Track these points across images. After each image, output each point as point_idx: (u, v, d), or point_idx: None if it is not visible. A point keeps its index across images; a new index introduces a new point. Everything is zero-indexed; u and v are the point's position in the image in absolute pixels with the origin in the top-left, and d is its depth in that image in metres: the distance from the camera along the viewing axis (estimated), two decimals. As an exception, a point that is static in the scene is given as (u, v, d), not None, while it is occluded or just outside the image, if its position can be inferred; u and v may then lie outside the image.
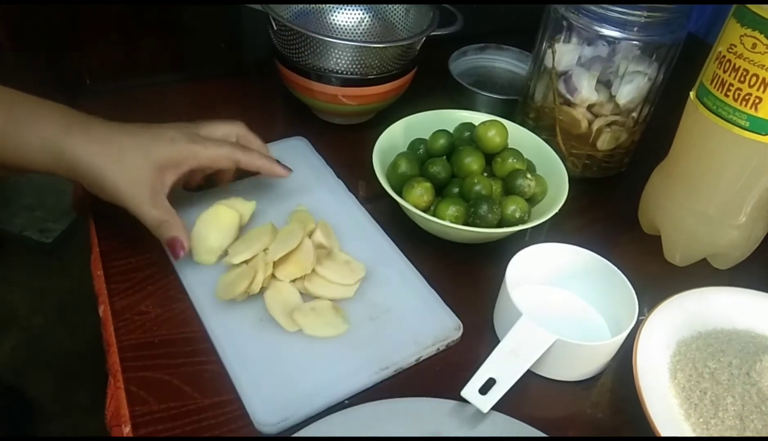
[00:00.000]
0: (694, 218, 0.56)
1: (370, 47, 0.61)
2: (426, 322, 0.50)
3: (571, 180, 0.64)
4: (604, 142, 0.63)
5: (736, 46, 0.47)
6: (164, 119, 0.52)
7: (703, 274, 0.59)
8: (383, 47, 0.62)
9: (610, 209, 0.65)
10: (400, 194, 0.55)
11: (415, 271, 0.54)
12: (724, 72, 0.48)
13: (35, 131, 0.46)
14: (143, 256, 0.53)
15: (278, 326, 0.48)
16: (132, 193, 0.48)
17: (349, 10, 0.72)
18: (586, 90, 0.60)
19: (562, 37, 0.60)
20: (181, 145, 0.50)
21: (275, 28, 0.62)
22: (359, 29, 0.72)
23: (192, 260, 0.52)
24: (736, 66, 0.47)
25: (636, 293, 0.50)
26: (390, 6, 0.71)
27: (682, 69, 0.60)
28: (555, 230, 0.62)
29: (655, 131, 0.62)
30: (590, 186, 0.67)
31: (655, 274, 0.59)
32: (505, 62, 0.82)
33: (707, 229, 0.56)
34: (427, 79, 0.73)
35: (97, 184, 0.47)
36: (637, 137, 0.65)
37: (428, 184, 0.55)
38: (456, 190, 0.57)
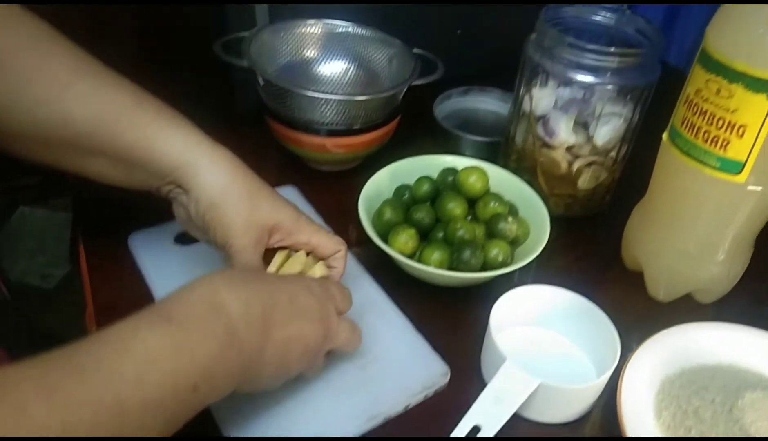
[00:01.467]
0: (675, 255, 0.57)
1: (353, 100, 0.63)
2: (414, 369, 0.51)
3: (555, 219, 0.65)
4: (584, 182, 0.64)
5: (702, 91, 0.49)
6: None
7: (687, 308, 0.60)
8: (366, 99, 0.64)
9: (594, 247, 0.66)
10: (386, 240, 0.57)
11: (403, 317, 0.55)
12: (693, 115, 0.50)
13: (182, 132, 0.47)
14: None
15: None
16: (243, 232, 0.47)
17: (334, 61, 0.74)
18: (564, 133, 0.61)
19: (539, 82, 0.62)
20: (303, 222, 0.51)
21: (262, 83, 0.65)
22: (344, 79, 0.74)
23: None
24: (704, 109, 0.49)
25: (622, 330, 0.50)
26: (374, 57, 0.73)
27: (662, 101, 0.61)
28: (543, 269, 0.63)
29: (635, 168, 0.64)
30: (574, 224, 0.68)
31: (640, 310, 0.60)
32: (488, 104, 0.84)
33: (688, 266, 0.57)
34: (414, 123, 0.75)
35: (213, 206, 0.47)
36: (617, 175, 0.66)
37: (413, 231, 0.57)
38: (441, 234, 0.58)
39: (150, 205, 0.65)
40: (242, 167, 0.49)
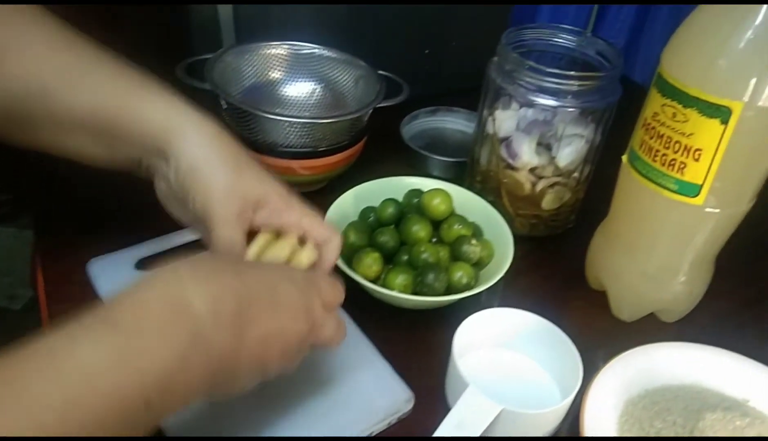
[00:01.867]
0: (637, 276, 0.57)
1: (317, 123, 0.63)
2: (377, 395, 0.50)
3: (521, 239, 0.65)
4: (548, 202, 0.64)
5: (658, 115, 0.50)
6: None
7: (651, 328, 0.60)
8: (330, 122, 0.64)
9: (560, 266, 0.66)
10: (351, 263, 0.57)
11: (367, 341, 0.55)
12: (651, 138, 0.51)
13: (167, 99, 0.45)
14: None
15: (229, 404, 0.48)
16: (225, 200, 0.43)
17: (300, 83, 0.74)
18: (527, 154, 0.62)
19: (501, 104, 0.62)
20: (294, 201, 0.47)
21: (225, 106, 0.64)
22: (310, 101, 0.74)
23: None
24: (660, 133, 0.50)
25: (587, 350, 0.51)
26: (340, 78, 0.73)
27: (627, 118, 0.61)
28: (509, 289, 0.63)
29: (600, 186, 0.64)
30: (540, 244, 0.68)
31: (605, 329, 0.61)
32: (455, 123, 0.85)
33: (650, 287, 0.57)
34: (382, 143, 0.75)
35: (193, 170, 0.43)
36: (581, 195, 0.67)
37: (377, 254, 0.56)
38: (405, 257, 0.58)
39: (112, 229, 0.64)
40: (228, 137, 0.46)
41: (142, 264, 0.60)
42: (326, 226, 0.48)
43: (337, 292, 0.44)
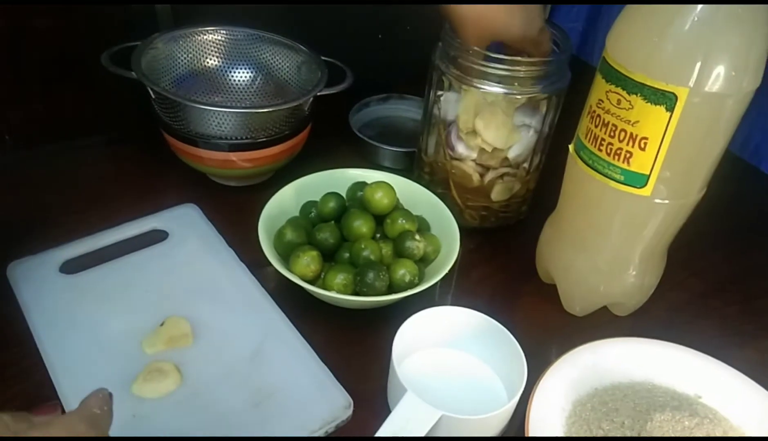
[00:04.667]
0: (586, 270, 0.55)
1: (253, 112, 0.60)
2: (314, 403, 0.48)
3: (472, 231, 0.63)
4: (498, 194, 0.62)
5: (603, 102, 0.47)
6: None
7: (604, 322, 0.59)
8: (268, 111, 0.60)
9: (512, 259, 0.64)
10: (289, 261, 0.54)
11: (306, 345, 0.52)
12: (596, 127, 0.48)
13: None
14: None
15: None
16: None
17: (239, 70, 0.70)
18: (463, 146, 0.59)
19: (446, 92, 0.59)
20: None
21: (153, 96, 0.60)
22: (251, 89, 0.70)
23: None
24: (605, 121, 0.47)
25: (538, 345, 0.49)
26: (281, 65, 0.70)
27: (582, 103, 0.59)
28: (460, 283, 0.61)
29: (552, 176, 0.61)
30: (491, 236, 0.66)
31: (556, 324, 0.59)
32: (408, 112, 0.82)
33: (600, 280, 0.55)
34: (331, 132, 0.72)
35: None
36: (532, 185, 0.64)
37: (315, 253, 0.53)
38: (346, 255, 0.55)
39: (34, 230, 0.60)
40: None
41: (68, 267, 0.56)
42: None
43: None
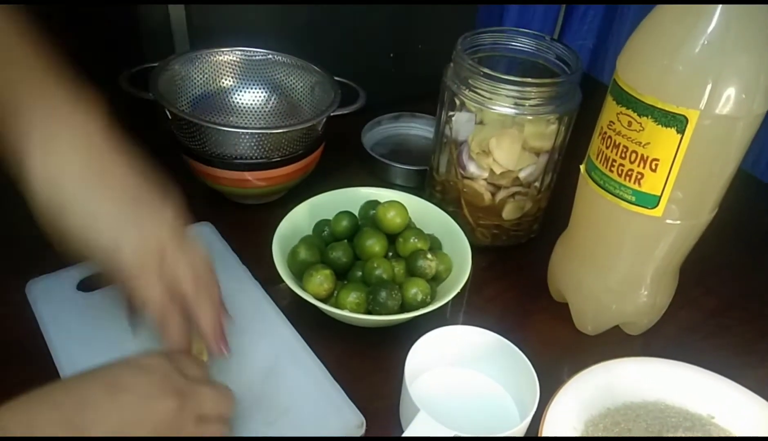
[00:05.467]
0: (598, 289, 0.56)
1: (268, 133, 0.61)
2: (327, 421, 0.48)
3: (483, 249, 0.63)
4: (509, 213, 0.62)
5: (614, 124, 0.48)
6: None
7: (616, 341, 0.59)
8: (282, 132, 0.61)
9: (523, 277, 0.64)
10: (302, 280, 0.54)
11: (318, 363, 0.52)
12: (607, 148, 0.49)
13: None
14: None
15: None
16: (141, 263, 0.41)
17: (253, 90, 0.71)
18: (474, 165, 0.60)
19: (458, 112, 0.60)
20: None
21: (170, 117, 0.61)
22: (265, 109, 0.71)
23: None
24: (617, 142, 0.48)
25: (550, 364, 0.49)
26: (295, 85, 0.71)
27: (594, 121, 0.57)
28: (472, 301, 0.62)
29: (564, 194, 0.61)
30: (503, 254, 0.66)
31: (568, 343, 0.59)
32: (420, 130, 0.82)
33: (612, 300, 0.56)
34: (343, 150, 0.73)
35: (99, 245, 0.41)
36: (543, 204, 0.65)
37: (328, 272, 0.54)
38: (359, 273, 0.56)
39: (51, 248, 0.61)
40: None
41: (85, 285, 0.57)
42: None
43: (199, 367, 0.43)
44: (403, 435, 0.44)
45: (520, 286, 0.64)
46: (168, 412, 0.38)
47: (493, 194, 0.61)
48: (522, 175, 0.60)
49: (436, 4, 0.83)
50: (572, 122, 0.60)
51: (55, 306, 0.55)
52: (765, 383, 0.53)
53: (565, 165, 0.63)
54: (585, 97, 0.60)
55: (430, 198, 0.64)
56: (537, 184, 0.62)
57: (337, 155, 0.72)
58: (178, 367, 0.41)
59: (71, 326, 0.53)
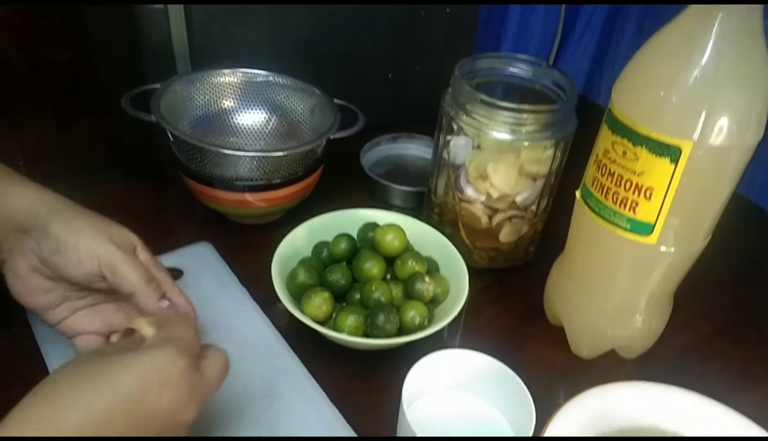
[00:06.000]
0: (594, 314, 0.56)
1: (269, 156, 0.61)
2: (324, 443, 0.48)
3: (480, 271, 0.64)
4: (506, 235, 0.63)
5: (609, 152, 0.48)
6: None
7: (611, 364, 0.59)
8: (283, 155, 0.62)
9: (519, 299, 0.65)
10: (301, 302, 0.55)
11: (316, 386, 0.53)
12: (602, 175, 0.49)
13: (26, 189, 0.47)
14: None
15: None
16: (112, 248, 0.45)
17: (254, 111, 0.72)
18: (472, 189, 0.61)
19: (455, 136, 0.61)
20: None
21: (172, 139, 0.62)
22: (266, 130, 0.72)
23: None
24: (611, 171, 0.48)
25: (547, 389, 0.49)
26: (295, 107, 0.72)
27: (590, 144, 0.56)
28: (469, 323, 0.62)
29: (560, 216, 0.61)
30: (499, 276, 0.67)
31: (564, 367, 0.59)
32: (417, 150, 0.83)
33: (607, 324, 0.56)
34: (342, 170, 0.74)
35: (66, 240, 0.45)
36: (540, 227, 0.66)
37: (327, 294, 0.54)
38: (357, 296, 0.56)
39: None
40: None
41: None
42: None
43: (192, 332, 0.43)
44: (400, 459, 0.45)
45: (516, 309, 0.64)
46: (178, 370, 0.38)
47: (490, 217, 0.62)
48: (519, 199, 0.61)
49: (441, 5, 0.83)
50: (568, 147, 0.61)
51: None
52: (758, 408, 0.53)
53: (562, 187, 0.64)
54: (581, 118, 0.61)
55: (427, 219, 0.65)
56: (533, 207, 0.62)
57: (336, 175, 0.72)
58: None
59: (69, 346, 0.53)
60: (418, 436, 0.45)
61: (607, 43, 0.97)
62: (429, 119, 0.71)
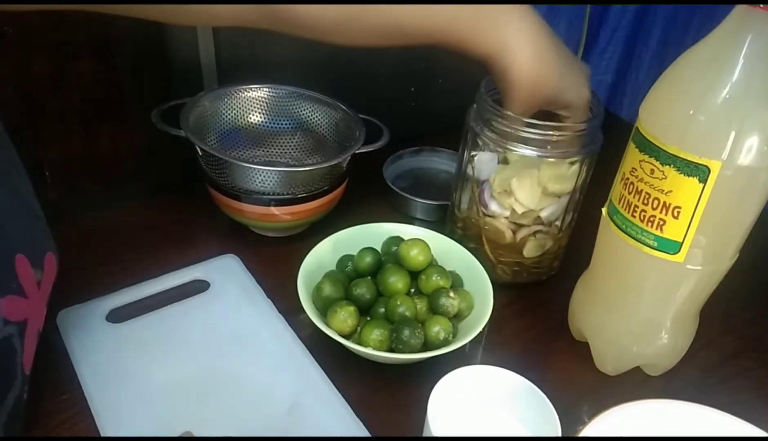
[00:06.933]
0: (619, 331, 0.56)
1: (294, 171, 0.62)
2: (349, 457, 0.49)
3: (504, 286, 0.64)
4: (530, 250, 0.63)
5: (636, 171, 0.48)
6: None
7: (636, 381, 0.59)
8: (309, 170, 0.63)
9: (543, 314, 0.65)
10: (326, 316, 0.55)
11: (342, 400, 0.53)
12: (629, 193, 0.49)
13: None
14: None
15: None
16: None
17: (280, 125, 0.73)
18: (496, 204, 0.61)
19: (480, 152, 0.61)
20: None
21: (200, 153, 0.63)
22: (291, 144, 0.73)
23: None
24: (639, 189, 0.48)
25: (571, 405, 0.49)
26: (320, 122, 0.73)
27: (614, 158, 0.56)
28: (492, 338, 0.62)
29: (585, 231, 0.61)
30: (523, 291, 0.67)
31: (589, 383, 0.59)
32: (440, 164, 0.84)
33: (633, 342, 0.56)
34: (364, 185, 0.74)
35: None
36: (564, 242, 0.66)
37: (352, 308, 0.55)
38: (382, 310, 0.57)
39: (81, 279, 0.62)
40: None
41: (114, 316, 0.58)
42: None
43: None
44: (426, 475, 0.45)
45: (540, 324, 0.64)
46: None
47: (514, 232, 0.62)
48: (543, 214, 0.61)
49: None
50: (593, 163, 0.61)
51: (85, 336, 0.56)
52: (786, 428, 0.53)
53: (586, 202, 0.63)
54: (604, 132, 0.61)
55: (451, 233, 0.65)
56: (558, 223, 0.63)
57: (360, 189, 0.73)
58: None
59: (100, 357, 0.54)
60: (443, 452, 0.45)
61: (630, 56, 0.97)
62: (451, 132, 0.71)
